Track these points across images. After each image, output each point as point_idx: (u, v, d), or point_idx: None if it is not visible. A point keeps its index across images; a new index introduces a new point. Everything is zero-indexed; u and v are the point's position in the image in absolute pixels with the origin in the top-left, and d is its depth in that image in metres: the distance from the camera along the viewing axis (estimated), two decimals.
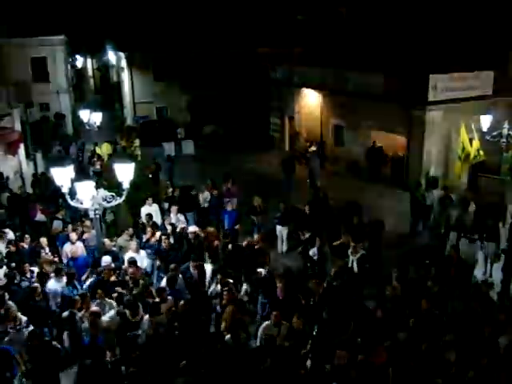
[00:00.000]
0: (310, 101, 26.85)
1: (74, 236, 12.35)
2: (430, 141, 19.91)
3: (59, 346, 8.76)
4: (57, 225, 14.44)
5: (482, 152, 17.49)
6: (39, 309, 9.87)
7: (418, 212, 16.15)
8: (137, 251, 11.84)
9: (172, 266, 10.57)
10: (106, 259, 11.29)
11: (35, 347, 8.33)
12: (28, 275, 10.93)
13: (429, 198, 16.02)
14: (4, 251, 12.28)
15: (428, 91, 19.05)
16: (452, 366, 7.56)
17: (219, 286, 10.30)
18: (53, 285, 10.46)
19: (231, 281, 10.57)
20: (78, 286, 10.64)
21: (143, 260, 11.96)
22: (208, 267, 11.28)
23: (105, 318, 9.16)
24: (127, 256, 11.55)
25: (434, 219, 15.79)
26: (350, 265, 11.63)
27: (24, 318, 9.33)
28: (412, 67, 20.59)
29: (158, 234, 12.73)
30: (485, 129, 17.46)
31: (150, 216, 13.99)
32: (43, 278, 10.69)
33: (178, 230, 13.28)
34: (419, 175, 19.71)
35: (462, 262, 11.58)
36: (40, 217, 15.65)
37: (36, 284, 10.35)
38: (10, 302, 9.60)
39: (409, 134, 20.55)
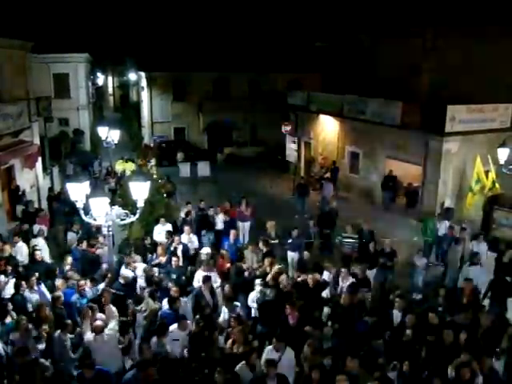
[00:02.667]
0: (327, 127, 26.93)
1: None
2: (446, 172, 19.81)
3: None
4: (71, 237, 14.53)
5: (497, 185, 17.35)
6: (60, 317, 9.88)
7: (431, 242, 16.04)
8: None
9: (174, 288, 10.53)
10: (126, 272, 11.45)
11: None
12: (36, 288, 10.92)
13: (441, 228, 15.88)
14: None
15: (445, 122, 19.00)
16: None
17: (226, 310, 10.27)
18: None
19: (238, 304, 10.55)
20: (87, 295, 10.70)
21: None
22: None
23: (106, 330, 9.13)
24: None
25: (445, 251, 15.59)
26: (338, 292, 11.49)
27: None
28: (430, 97, 20.58)
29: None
30: (502, 161, 17.32)
31: (170, 233, 14.15)
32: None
33: (191, 251, 13.24)
34: (434, 206, 19.58)
35: (475, 293, 11.38)
36: (36, 227, 15.61)
37: (59, 293, 10.42)
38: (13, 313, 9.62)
39: (425, 164, 20.46)
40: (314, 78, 35.20)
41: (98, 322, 9.07)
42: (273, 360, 8.07)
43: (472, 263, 13.05)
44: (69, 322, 9.49)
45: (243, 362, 8.21)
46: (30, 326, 9.29)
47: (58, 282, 11.15)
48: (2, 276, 11.48)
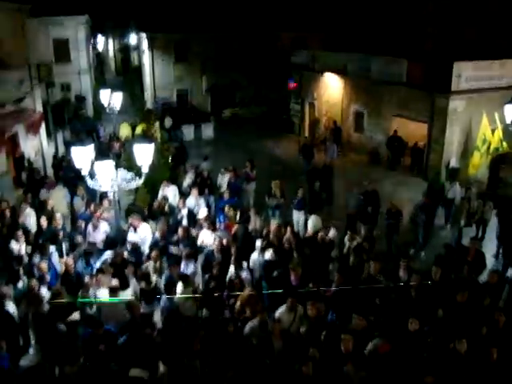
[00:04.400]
0: (331, 86, 26.62)
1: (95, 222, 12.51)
2: (452, 131, 19.63)
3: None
4: (76, 201, 14.59)
5: (505, 144, 17.20)
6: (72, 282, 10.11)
7: (437, 202, 15.81)
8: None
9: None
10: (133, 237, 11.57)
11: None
12: (47, 254, 11.10)
13: (451, 190, 15.57)
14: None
15: (451, 80, 18.71)
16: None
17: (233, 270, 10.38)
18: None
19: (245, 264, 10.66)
20: (94, 265, 10.82)
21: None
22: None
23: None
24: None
25: (454, 212, 15.45)
26: (345, 251, 11.57)
27: (47, 296, 9.52)
28: (437, 54, 20.22)
29: None
30: (509, 119, 17.10)
31: (165, 198, 14.09)
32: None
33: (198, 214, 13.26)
34: (440, 166, 19.49)
35: (480, 254, 11.43)
36: (44, 192, 15.72)
37: (70, 261, 10.61)
38: (34, 280, 9.76)
39: (430, 122, 20.27)
40: (318, 36, 34.62)
41: (114, 282, 9.22)
42: (279, 318, 8.22)
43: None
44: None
45: (253, 320, 8.36)
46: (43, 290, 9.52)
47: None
48: (14, 242, 11.61)
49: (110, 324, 8.59)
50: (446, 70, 18.82)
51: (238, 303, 9.25)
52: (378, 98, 22.95)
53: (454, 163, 19.30)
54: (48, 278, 10.38)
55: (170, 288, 9.31)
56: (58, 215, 12.80)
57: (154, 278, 10.07)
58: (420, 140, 21.42)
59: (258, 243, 11.22)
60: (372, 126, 24.09)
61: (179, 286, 9.54)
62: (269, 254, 10.86)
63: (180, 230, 11.91)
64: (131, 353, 7.65)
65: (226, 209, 13.39)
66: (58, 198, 14.62)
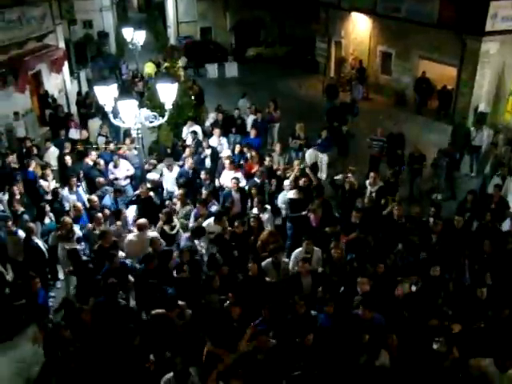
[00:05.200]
0: (359, 26, 25.78)
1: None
2: (483, 74, 18.94)
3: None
4: (100, 141, 14.73)
5: None
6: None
7: (463, 148, 15.41)
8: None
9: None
10: (153, 176, 11.67)
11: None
12: (74, 189, 11.34)
13: (477, 137, 15.03)
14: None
15: (486, 20, 17.89)
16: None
17: (256, 210, 10.46)
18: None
19: (268, 207, 10.72)
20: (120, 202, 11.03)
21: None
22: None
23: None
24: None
25: (481, 158, 15.11)
26: (367, 195, 11.49)
27: (79, 233, 9.77)
28: None
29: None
30: None
31: (194, 132, 14.15)
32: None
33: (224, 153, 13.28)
34: (468, 110, 19.00)
35: (503, 201, 11.29)
36: (73, 131, 15.94)
37: (95, 198, 10.86)
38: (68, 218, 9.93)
39: (460, 65, 19.59)
40: None
41: (142, 220, 9.41)
42: (307, 257, 8.37)
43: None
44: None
45: (270, 259, 8.52)
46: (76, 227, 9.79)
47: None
48: (42, 180, 11.85)
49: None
50: (481, 10, 17.98)
51: (259, 242, 9.40)
52: (406, 38, 22.16)
53: (482, 108, 18.78)
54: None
55: (199, 231, 9.37)
56: (94, 153, 13.00)
57: (175, 219, 10.14)
58: (448, 83, 20.81)
59: (287, 182, 11.25)
60: (399, 68, 23.43)
61: (208, 222, 9.68)
62: (292, 193, 10.90)
63: (202, 174, 11.95)
64: (149, 288, 7.89)
65: (246, 149, 13.34)
66: (93, 129, 14.72)
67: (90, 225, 9.95)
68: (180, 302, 7.43)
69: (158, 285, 7.88)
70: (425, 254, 9.03)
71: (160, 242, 9.13)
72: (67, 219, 9.63)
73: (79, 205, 10.65)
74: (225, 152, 13.36)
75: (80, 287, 8.81)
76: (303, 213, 10.43)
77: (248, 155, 13.07)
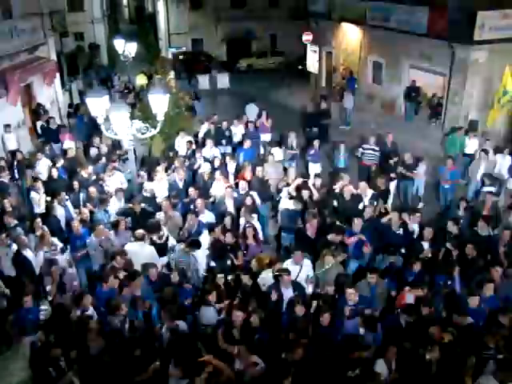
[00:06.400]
0: (349, 36, 25.99)
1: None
2: (472, 83, 19.13)
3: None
4: (93, 152, 14.67)
5: None
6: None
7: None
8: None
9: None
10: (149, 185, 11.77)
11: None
12: (63, 203, 11.24)
13: (470, 145, 15.25)
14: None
15: (474, 29, 18.10)
16: None
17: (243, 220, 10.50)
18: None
19: (255, 215, 10.73)
20: (110, 213, 10.98)
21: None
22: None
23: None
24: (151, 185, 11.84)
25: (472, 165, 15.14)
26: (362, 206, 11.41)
27: (60, 244, 9.72)
28: (460, 3, 19.45)
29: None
30: None
31: (190, 142, 14.34)
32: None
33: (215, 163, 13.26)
34: (458, 118, 19.14)
35: (495, 208, 11.37)
36: (68, 143, 15.85)
37: (85, 210, 10.87)
38: (45, 227, 9.98)
39: (450, 74, 19.77)
40: None
41: (140, 231, 9.41)
42: (286, 269, 8.35)
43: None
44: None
45: (268, 269, 8.53)
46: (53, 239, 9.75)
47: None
48: (33, 192, 11.78)
49: None
50: (469, 20, 18.19)
51: (255, 263, 9.39)
52: (396, 48, 22.37)
53: (473, 116, 18.95)
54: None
55: (195, 244, 9.31)
56: (90, 167, 13.02)
57: (164, 229, 10.09)
58: (439, 92, 20.99)
59: (285, 193, 11.30)
60: (390, 77, 23.63)
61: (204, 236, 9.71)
62: (289, 203, 10.90)
63: (191, 190, 11.73)
64: None
65: (228, 158, 13.49)
66: None
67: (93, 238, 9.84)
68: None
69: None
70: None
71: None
72: (44, 231, 9.75)
73: (93, 190, 11.28)
74: (204, 166, 13.25)
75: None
76: (299, 225, 10.46)
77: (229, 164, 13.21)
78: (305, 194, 11.21)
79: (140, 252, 9.20)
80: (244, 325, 7.05)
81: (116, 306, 7.45)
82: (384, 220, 10.46)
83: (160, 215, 10.71)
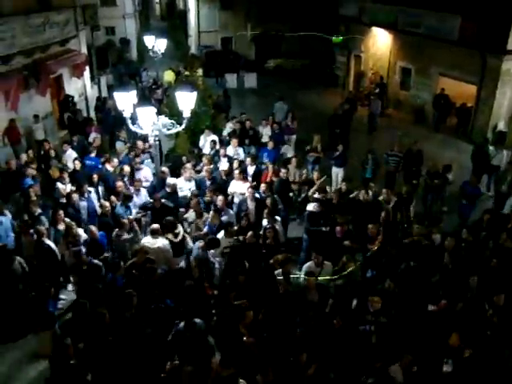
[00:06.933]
0: (379, 40, 25.80)
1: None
2: (503, 93, 18.84)
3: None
4: (119, 146, 14.80)
5: None
6: (108, 224, 10.40)
7: (482, 168, 15.06)
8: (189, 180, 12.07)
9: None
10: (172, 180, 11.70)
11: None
12: (86, 195, 11.17)
13: (497, 157, 14.88)
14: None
15: (508, 39, 17.81)
16: None
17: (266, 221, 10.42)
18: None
19: (278, 218, 10.68)
20: (133, 209, 11.02)
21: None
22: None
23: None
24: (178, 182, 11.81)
25: (498, 178, 14.76)
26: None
27: (84, 236, 9.81)
28: (493, 11, 19.16)
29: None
30: None
31: (214, 142, 14.28)
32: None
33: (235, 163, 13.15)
34: (486, 129, 18.86)
35: None
36: (94, 135, 15.97)
37: (107, 203, 10.87)
38: (68, 220, 10.05)
39: (480, 83, 19.50)
40: None
41: (155, 226, 9.44)
42: (312, 272, 8.34)
43: None
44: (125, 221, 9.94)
45: (279, 269, 8.52)
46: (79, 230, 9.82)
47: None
48: (59, 183, 11.90)
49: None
50: (502, 29, 17.91)
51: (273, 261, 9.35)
52: (426, 55, 22.15)
53: (502, 127, 18.64)
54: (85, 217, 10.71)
55: (213, 243, 9.29)
56: (115, 160, 13.09)
57: (180, 228, 9.98)
58: (468, 101, 20.71)
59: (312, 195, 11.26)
60: (418, 84, 23.39)
61: (220, 234, 9.70)
62: (312, 206, 10.88)
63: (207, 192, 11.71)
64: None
65: (249, 160, 13.30)
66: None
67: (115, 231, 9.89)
68: None
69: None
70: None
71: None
72: (68, 222, 9.81)
73: (120, 184, 11.29)
74: (223, 164, 13.28)
75: (81, 291, 8.65)
76: (323, 228, 10.43)
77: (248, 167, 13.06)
78: (324, 197, 11.15)
79: (153, 245, 9.19)
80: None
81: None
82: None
83: (190, 213, 10.71)
